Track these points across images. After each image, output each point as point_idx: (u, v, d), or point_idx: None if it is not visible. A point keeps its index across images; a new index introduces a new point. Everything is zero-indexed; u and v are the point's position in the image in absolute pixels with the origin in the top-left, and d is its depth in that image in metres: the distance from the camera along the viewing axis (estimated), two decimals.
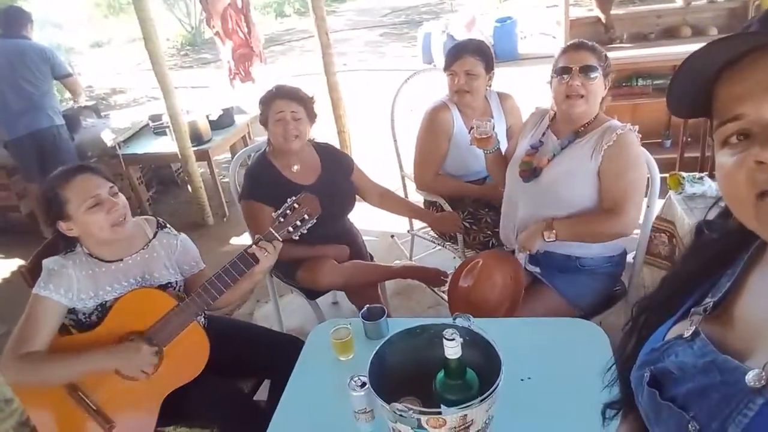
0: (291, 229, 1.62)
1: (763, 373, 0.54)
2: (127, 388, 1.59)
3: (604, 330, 1.53)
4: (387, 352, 1.19)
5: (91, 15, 12.59)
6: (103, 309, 1.62)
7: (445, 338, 1.02)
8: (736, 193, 0.57)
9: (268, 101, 2.13)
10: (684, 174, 2.10)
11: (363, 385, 1.24)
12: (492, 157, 2.12)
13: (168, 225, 1.83)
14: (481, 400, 1.03)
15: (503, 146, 2.22)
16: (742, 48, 0.56)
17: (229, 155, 4.93)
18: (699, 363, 0.62)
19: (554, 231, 1.78)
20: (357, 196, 2.39)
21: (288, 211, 1.62)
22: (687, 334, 0.66)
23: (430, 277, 2.23)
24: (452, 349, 1.03)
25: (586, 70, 1.75)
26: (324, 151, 2.32)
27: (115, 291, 1.63)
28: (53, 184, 1.58)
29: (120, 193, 1.64)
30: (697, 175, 2.10)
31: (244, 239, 3.61)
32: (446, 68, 2.37)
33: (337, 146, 4.10)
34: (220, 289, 1.60)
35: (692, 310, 0.69)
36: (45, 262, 1.60)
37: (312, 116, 2.19)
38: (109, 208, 1.58)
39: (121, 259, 1.67)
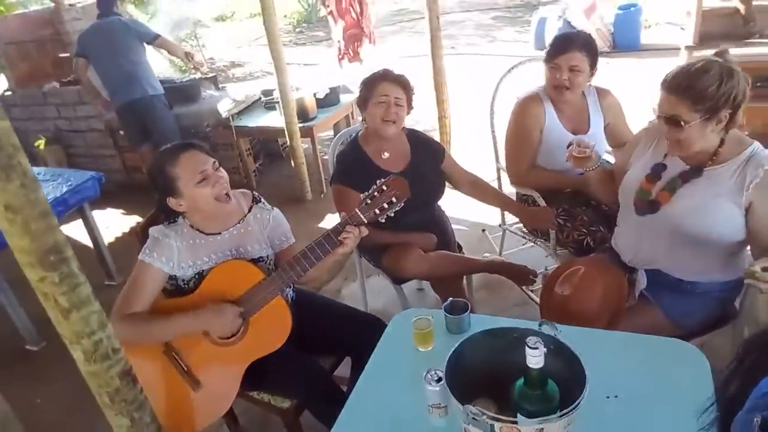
0: (378, 211, 1.62)
1: None
2: (215, 353, 1.70)
3: (707, 352, 1.41)
4: (466, 350, 1.18)
5: None
6: (200, 277, 1.72)
7: (528, 346, 0.99)
8: None
9: (372, 82, 2.14)
10: None
11: (439, 380, 1.23)
12: (594, 175, 1.96)
13: (262, 199, 1.91)
14: (561, 416, 0.99)
15: (600, 145, 2.08)
16: None
17: (331, 133, 5.06)
18: None
19: None
20: (448, 185, 2.36)
21: (376, 193, 1.62)
22: None
23: (519, 274, 2.16)
24: (535, 359, 0.99)
25: (669, 122, 1.54)
26: (415, 138, 2.31)
27: (212, 261, 1.74)
28: (161, 163, 1.67)
29: (221, 168, 1.73)
30: None
31: (338, 218, 3.70)
32: (549, 60, 2.24)
33: (437, 132, 4.10)
34: (305, 267, 1.65)
35: None
36: (151, 230, 1.73)
37: (411, 106, 2.19)
38: (215, 182, 1.66)
39: (219, 233, 1.76)
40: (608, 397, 1.28)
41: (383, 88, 2.10)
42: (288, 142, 4.15)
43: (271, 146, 5.14)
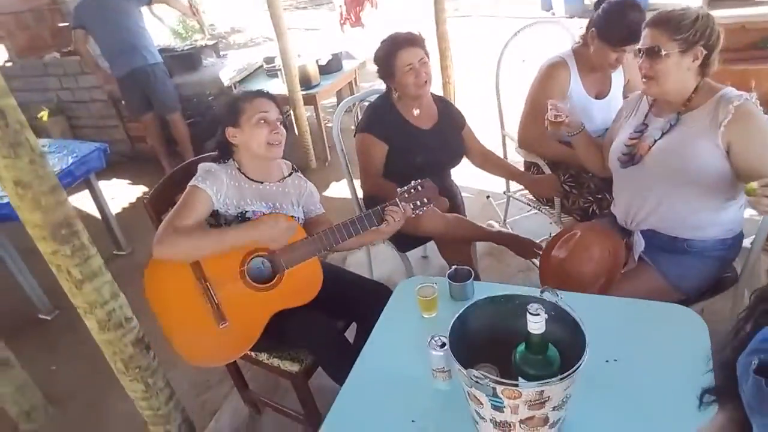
0: (413, 205, 1.79)
1: None
2: (247, 295, 1.74)
3: (707, 317, 1.43)
4: (469, 316, 1.20)
5: None
6: (242, 219, 1.79)
7: (530, 312, 1.01)
8: None
9: (390, 55, 2.12)
10: None
11: (443, 345, 1.27)
12: (578, 141, 2.01)
13: (299, 171, 2.01)
14: (561, 379, 1.02)
15: (617, 106, 2.07)
16: None
17: (334, 100, 5.03)
18: None
19: None
20: None
21: (413, 190, 1.78)
22: None
23: (524, 247, 2.18)
24: (536, 325, 1.02)
25: (650, 52, 1.62)
26: (440, 102, 2.37)
27: (254, 206, 1.81)
28: (239, 96, 1.81)
29: (283, 126, 1.82)
30: None
31: (343, 185, 3.71)
32: (613, 45, 2.09)
33: None
34: (345, 236, 1.76)
35: None
36: (201, 165, 1.79)
37: (428, 55, 2.19)
38: (273, 128, 1.76)
39: (262, 183, 1.85)
40: (608, 362, 1.31)
41: (405, 58, 2.09)
42: (291, 111, 4.13)
43: None
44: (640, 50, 1.66)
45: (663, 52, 1.60)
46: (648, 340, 1.38)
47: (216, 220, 1.79)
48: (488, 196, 3.35)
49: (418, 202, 1.79)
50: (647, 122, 1.79)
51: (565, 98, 2.24)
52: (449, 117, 2.33)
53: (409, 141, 2.20)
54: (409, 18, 7.68)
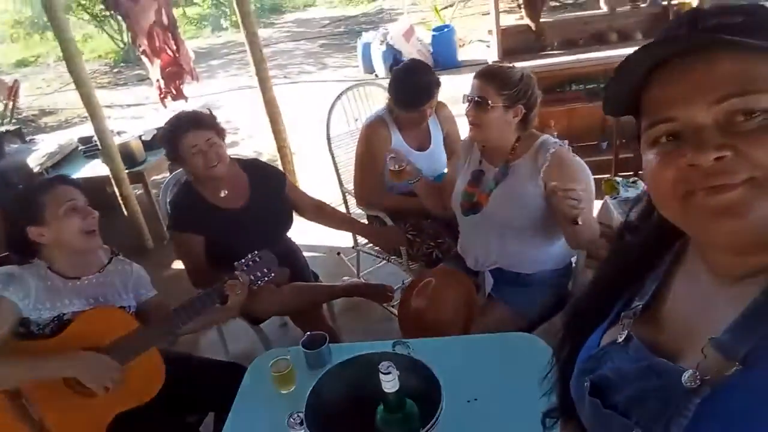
0: (253, 278, 1.72)
1: (698, 373, 0.55)
2: (74, 403, 1.52)
3: (551, 337, 1.53)
4: (325, 386, 1.14)
5: (12, 34, 12.02)
6: (60, 322, 1.57)
7: (381, 372, 0.98)
8: (665, 192, 0.58)
9: (174, 138, 1.99)
10: (618, 179, 2.16)
11: (303, 422, 1.18)
12: (419, 188, 2.09)
13: (120, 253, 1.84)
14: None
15: (441, 157, 2.22)
16: (673, 50, 0.56)
17: (168, 174, 4.76)
18: (636, 368, 0.62)
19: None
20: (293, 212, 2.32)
21: (251, 262, 1.73)
22: (620, 339, 0.67)
23: (377, 293, 2.19)
24: (389, 383, 0.99)
25: (477, 103, 1.73)
26: (252, 168, 2.22)
27: (74, 306, 1.59)
28: (32, 189, 1.64)
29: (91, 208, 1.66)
30: (631, 178, 2.16)
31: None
32: (410, 110, 2.28)
33: (279, 162, 4.05)
34: (184, 320, 1.62)
35: (623, 314, 0.70)
36: (0, 269, 1.55)
37: (223, 134, 2.09)
38: (85, 215, 1.61)
39: (79, 278, 1.65)
40: (469, 401, 1.32)
41: (189, 140, 1.96)
42: (117, 191, 3.81)
43: (102, 196, 4.67)
44: (469, 99, 1.77)
45: (490, 104, 1.71)
46: (501, 372, 1.43)
47: (27, 327, 1.55)
48: (339, 253, 3.34)
49: (259, 273, 1.72)
50: (482, 169, 1.90)
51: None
52: (264, 183, 2.19)
53: (224, 227, 2.05)
54: (239, 85, 7.70)
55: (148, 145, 4.08)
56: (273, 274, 1.75)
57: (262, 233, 2.13)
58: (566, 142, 1.80)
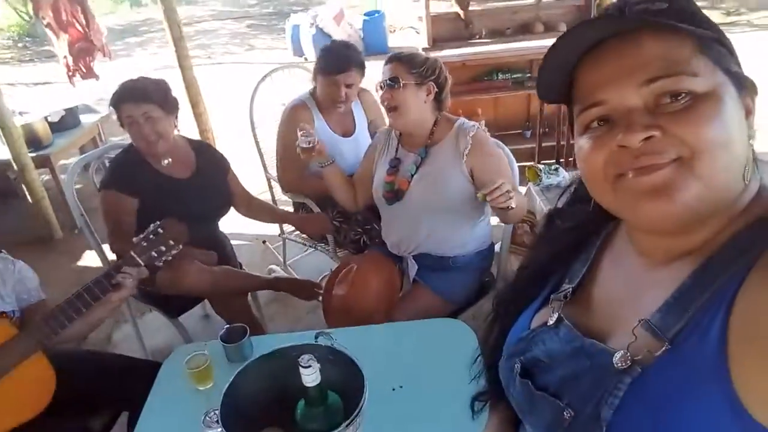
0: (155, 254, 1.51)
1: (628, 354, 0.56)
2: None
3: (477, 322, 1.54)
4: (244, 382, 1.08)
5: None
6: None
7: (301, 366, 0.94)
8: (596, 175, 0.59)
9: (115, 105, 1.92)
10: (540, 166, 2.20)
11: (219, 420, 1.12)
12: (329, 174, 2.01)
13: (3, 250, 1.62)
14: (347, 425, 0.96)
15: (365, 143, 2.18)
16: (603, 32, 0.57)
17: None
18: (568, 349, 0.63)
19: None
20: None
21: (152, 236, 1.50)
22: (551, 321, 0.68)
23: (303, 289, 2.13)
24: (310, 377, 0.94)
25: (390, 83, 1.76)
26: (199, 147, 2.19)
27: None
28: None
29: None
30: (553, 166, 2.21)
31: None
32: (327, 75, 2.23)
33: None
34: (70, 317, 1.41)
35: (552, 296, 0.71)
36: None
37: (172, 109, 1.99)
38: None
39: None
40: (394, 389, 1.30)
41: (125, 110, 1.89)
42: (18, 176, 3.51)
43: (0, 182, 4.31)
44: (382, 84, 1.77)
45: (402, 83, 1.73)
46: (427, 358, 1.42)
47: None
48: (264, 241, 3.25)
49: (163, 248, 1.50)
50: (399, 157, 1.90)
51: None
52: (210, 163, 2.16)
53: (163, 193, 1.98)
54: (161, 65, 7.31)
55: (56, 127, 3.78)
56: (179, 246, 1.53)
57: (202, 208, 2.08)
58: (483, 122, 1.83)
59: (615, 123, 0.57)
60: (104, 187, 1.96)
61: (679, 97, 0.54)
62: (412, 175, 1.84)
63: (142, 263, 1.49)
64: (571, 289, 0.69)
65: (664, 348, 0.55)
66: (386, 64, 1.80)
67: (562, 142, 3.22)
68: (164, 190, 1.99)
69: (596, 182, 0.60)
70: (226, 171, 2.22)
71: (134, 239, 1.52)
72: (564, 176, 2.15)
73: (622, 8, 0.58)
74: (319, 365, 0.94)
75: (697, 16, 0.57)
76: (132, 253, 1.48)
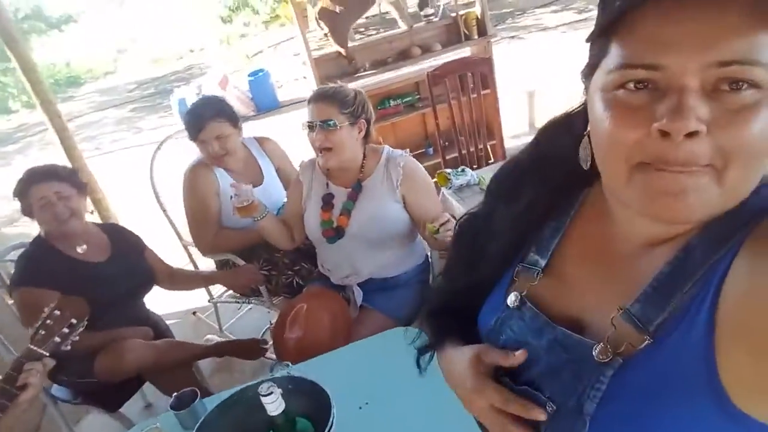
0: (58, 339, 1.39)
1: (609, 347, 0.55)
2: None
3: None
4: None
5: None
6: None
7: (262, 395, 0.91)
8: (617, 153, 0.51)
9: (24, 191, 1.86)
10: (448, 170, 2.29)
11: None
12: (266, 224, 1.94)
13: None
14: None
15: (279, 191, 2.18)
16: None
17: None
18: (543, 343, 0.61)
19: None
20: None
21: (48, 321, 1.39)
22: (511, 302, 0.65)
23: (248, 350, 2.06)
24: (273, 405, 0.92)
25: (323, 125, 1.72)
26: (110, 229, 2.16)
27: None
28: None
29: None
30: (459, 168, 2.31)
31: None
32: (193, 139, 2.22)
33: None
34: None
35: (519, 267, 0.68)
36: None
37: (82, 188, 1.96)
38: None
39: None
40: (360, 408, 1.28)
41: (37, 191, 1.84)
42: None
43: None
44: (312, 124, 1.74)
45: (338, 125, 1.71)
46: (387, 371, 1.40)
47: None
48: (194, 312, 3.11)
49: (65, 330, 1.39)
50: (332, 192, 1.88)
51: (219, 196, 2.26)
52: (125, 242, 2.11)
53: (83, 279, 1.89)
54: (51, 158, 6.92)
55: None
56: (85, 323, 1.43)
57: (125, 288, 2.02)
58: (407, 150, 1.90)
59: (660, 96, 0.48)
60: (18, 285, 1.84)
61: (741, 88, 0.46)
62: (350, 211, 1.84)
63: (47, 353, 1.38)
64: (540, 270, 0.65)
65: (646, 340, 0.53)
66: (314, 102, 1.75)
67: (463, 151, 3.38)
68: (83, 276, 1.90)
69: (613, 160, 0.52)
70: (143, 249, 2.18)
71: (30, 330, 1.41)
72: (472, 175, 2.24)
73: None
74: (280, 390, 0.92)
75: None
76: (31, 346, 1.37)
